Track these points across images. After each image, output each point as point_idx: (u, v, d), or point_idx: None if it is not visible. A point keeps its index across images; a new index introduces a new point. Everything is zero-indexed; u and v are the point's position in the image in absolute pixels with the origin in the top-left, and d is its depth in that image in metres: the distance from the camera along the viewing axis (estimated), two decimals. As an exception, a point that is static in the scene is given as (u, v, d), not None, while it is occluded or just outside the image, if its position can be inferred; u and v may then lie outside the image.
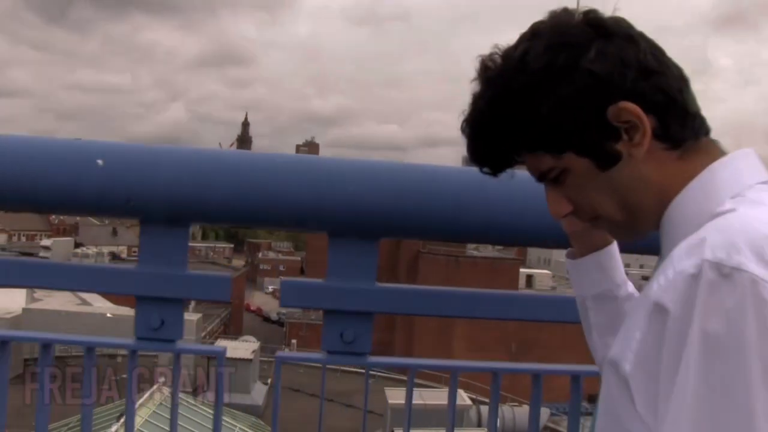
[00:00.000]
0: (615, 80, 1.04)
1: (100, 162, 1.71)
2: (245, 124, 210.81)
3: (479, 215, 1.78)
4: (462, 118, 1.15)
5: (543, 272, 55.22)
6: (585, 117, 1.06)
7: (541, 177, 1.15)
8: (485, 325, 35.77)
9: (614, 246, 1.34)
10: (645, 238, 1.16)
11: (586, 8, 1.09)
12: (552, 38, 1.06)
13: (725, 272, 0.85)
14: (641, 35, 1.09)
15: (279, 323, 64.42)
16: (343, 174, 1.78)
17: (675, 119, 1.07)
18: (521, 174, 1.86)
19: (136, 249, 1.88)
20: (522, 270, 49.42)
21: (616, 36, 1.06)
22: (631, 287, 1.36)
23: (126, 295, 1.82)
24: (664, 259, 0.98)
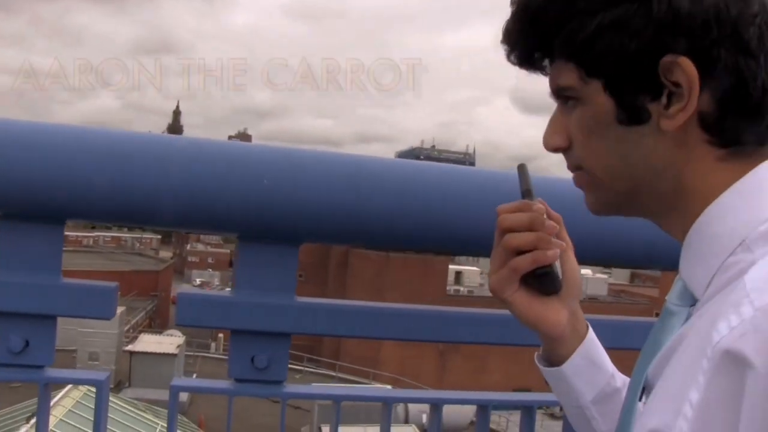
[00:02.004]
0: (696, 29, 0.79)
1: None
2: (176, 113, 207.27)
3: (423, 217, 1.47)
4: None
5: (472, 269, 55.65)
6: (636, 51, 0.80)
7: (555, 93, 0.92)
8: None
9: (590, 329, 1.08)
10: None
11: None
12: None
13: None
14: None
15: (206, 316, 63.14)
16: (256, 163, 1.44)
17: (740, 114, 0.81)
18: (476, 173, 1.56)
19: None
20: (451, 267, 49.61)
21: None
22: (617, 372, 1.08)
23: (-22, 309, 1.45)
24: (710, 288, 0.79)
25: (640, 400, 0.87)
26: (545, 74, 0.92)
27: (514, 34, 0.91)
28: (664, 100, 0.81)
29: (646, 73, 0.81)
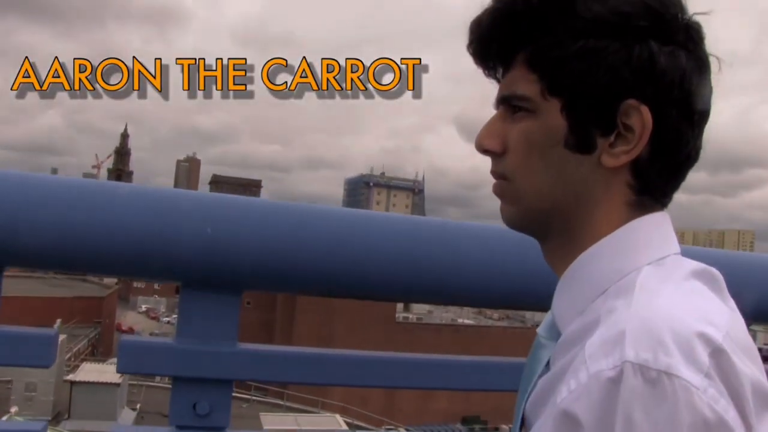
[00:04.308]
0: (664, 84, 0.84)
1: None
2: (124, 136, 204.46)
3: (361, 266, 1.50)
4: None
5: (422, 296, 55.75)
6: (606, 86, 0.84)
7: (503, 100, 0.92)
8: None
9: None
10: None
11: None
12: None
13: (651, 377, 0.69)
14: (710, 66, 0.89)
15: (152, 344, 61.94)
16: (200, 212, 1.45)
17: (665, 169, 0.88)
18: (413, 221, 1.59)
19: None
20: (401, 294, 49.66)
21: (700, 52, 0.88)
22: None
23: None
24: (567, 333, 0.85)
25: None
26: (494, 76, 0.94)
27: (484, 28, 0.91)
28: (612, 138, 0.85)
29: (607, 108, 0.85)
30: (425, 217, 1.59)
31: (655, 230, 0.88)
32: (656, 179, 0.88)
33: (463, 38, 0.94)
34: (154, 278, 1.58)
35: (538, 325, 0.97)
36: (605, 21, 0.84)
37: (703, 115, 0.88)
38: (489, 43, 0.92)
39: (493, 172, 0.94)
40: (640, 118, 0.84)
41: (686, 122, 0.86)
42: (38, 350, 1.46)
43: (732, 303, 0.86)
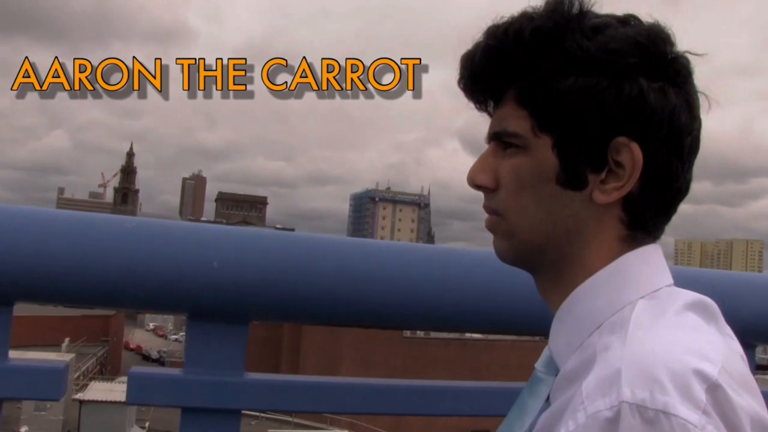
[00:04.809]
0: (653, 122, 0.85)
1: None
2: (130, 155, 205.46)
3: (370, 295, 1.51)
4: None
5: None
6: (597, 122, 0.86)
7: (494, 136, 0.93)
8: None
9: None
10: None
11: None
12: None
13: (649, 417, 0.70)
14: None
15: (160, 362, 62.31)
16: (206, 244, 1.46)
17: (656, 204, 0.89)
18: (417, 249, 1.60)
19: None
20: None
21: (689, 87, 0.89)
22: None
23: None
24: (563, 369, 0.86)
25: None
26: (485, 110, 0.95)
27: (475, 64, 0.92)
28: (603, 174, 0.86)
29: (597, 145, 0.85)
30: (431, 245, 1.60)
31: (647, 263, 0.89)
32: (648, 214, 0.89)
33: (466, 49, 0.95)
34: (162, 310, 1.59)
35: (545, 339, 0.97)
36: (595, 58, 0.85)
37: (693, 150, 0.89)
38: (480, 79, 0.93)
39: (486, 207, 0.95)
40: (631, 155, 0.84)
41: (676, 157, 0.87)
42: (48, 383, 1.46)
43: (728, 331, 0.87)
